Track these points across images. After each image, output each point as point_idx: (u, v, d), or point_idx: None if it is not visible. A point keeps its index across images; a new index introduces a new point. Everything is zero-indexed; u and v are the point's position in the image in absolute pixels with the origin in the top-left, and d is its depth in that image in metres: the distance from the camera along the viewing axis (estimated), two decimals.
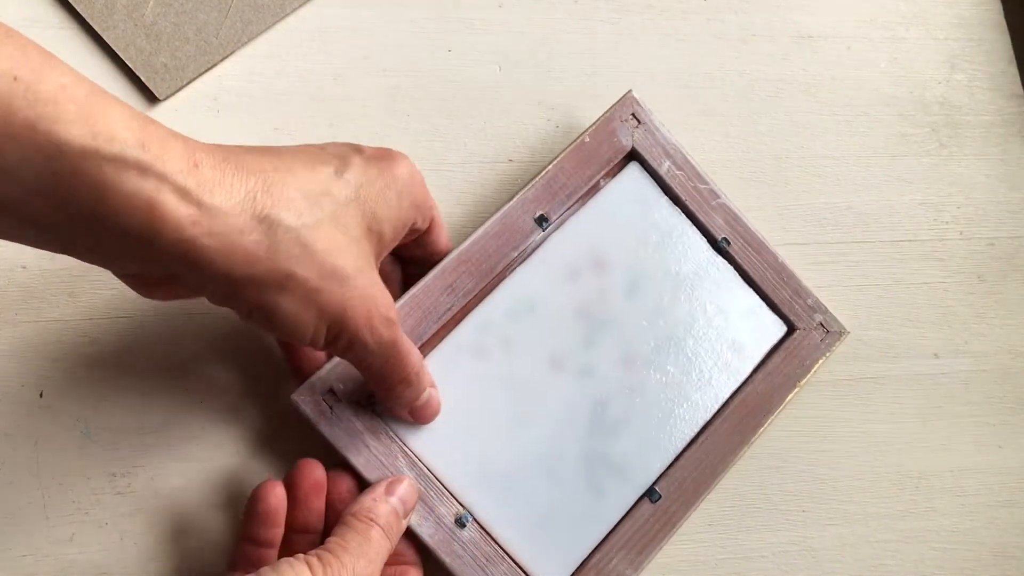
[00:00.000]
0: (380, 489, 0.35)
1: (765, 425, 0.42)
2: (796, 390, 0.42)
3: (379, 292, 0.32)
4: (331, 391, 0.38)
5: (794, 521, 0.43)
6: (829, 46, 0.51)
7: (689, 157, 0.44)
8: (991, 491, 0.45)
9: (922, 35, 0.52)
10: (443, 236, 0.40)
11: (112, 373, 0.40)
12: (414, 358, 0.35)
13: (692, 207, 0.43)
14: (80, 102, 0.24)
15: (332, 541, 0.33)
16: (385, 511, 0.34)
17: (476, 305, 0.41)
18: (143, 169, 0.25)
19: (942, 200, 0.49)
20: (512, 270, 0.41)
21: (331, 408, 0.37)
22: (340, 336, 0.31)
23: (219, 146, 0.29)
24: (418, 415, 0.38)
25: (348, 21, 0.47)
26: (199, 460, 0.40)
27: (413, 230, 0.36)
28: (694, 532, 0.42)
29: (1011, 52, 0.52)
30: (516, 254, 0.41)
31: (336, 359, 0.38)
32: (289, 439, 0.40)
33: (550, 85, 0.48)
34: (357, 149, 0.33)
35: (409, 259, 0.41)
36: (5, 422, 0.39)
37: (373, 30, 0.47)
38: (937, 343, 0.47)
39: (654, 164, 0.43)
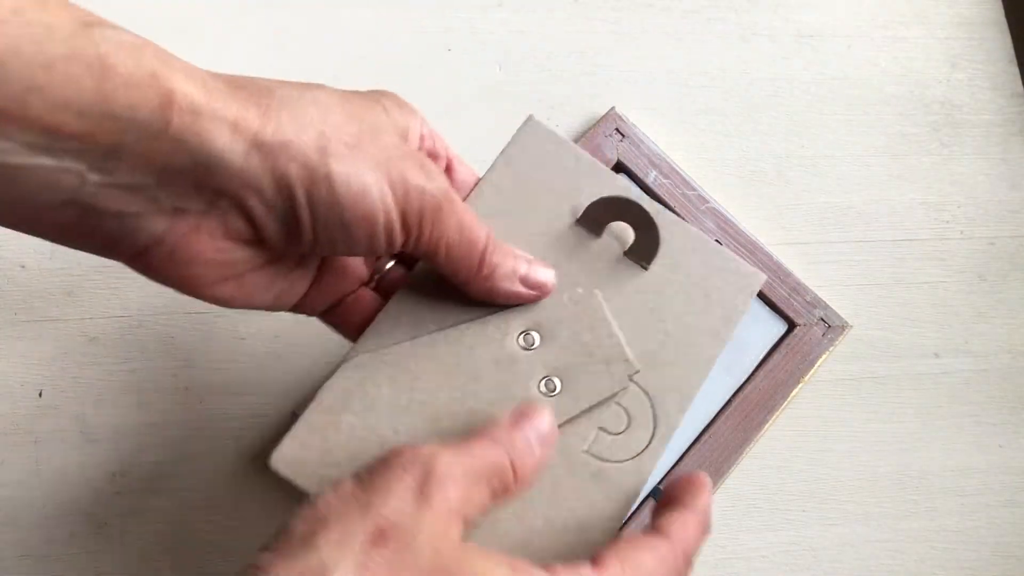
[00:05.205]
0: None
1: (770, 422, 0.42)
2: (800, 386, 0.42)
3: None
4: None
5: (794, 521, 0.43)
6: (829, 45, 0.51)
7: (675, 165, 0.45)
8: (992, 491, 0.45)
9: (923, 34, 0.52)
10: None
11: (112, 373, 0.40)
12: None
13: (681, 213, 0.44)
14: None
15: None
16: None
17: None
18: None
19: (943, 199, 0.49)
20: None
21: None
22: (409, 194, 0.28)
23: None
24: (532, 282, 0.32)
25: (348, 21, 0.47)
26: (199, 460, 0.40)
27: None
28: None
29: (1012, 51, 0.52)
30: None
31: None
32: None
33: (550, 85, 0.48)
34: None
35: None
36: (5, 422, 0.39)
37: (373, 30, 0.47)
38: (938, 342, 0.47)
39: (640, 175, 0.44)
